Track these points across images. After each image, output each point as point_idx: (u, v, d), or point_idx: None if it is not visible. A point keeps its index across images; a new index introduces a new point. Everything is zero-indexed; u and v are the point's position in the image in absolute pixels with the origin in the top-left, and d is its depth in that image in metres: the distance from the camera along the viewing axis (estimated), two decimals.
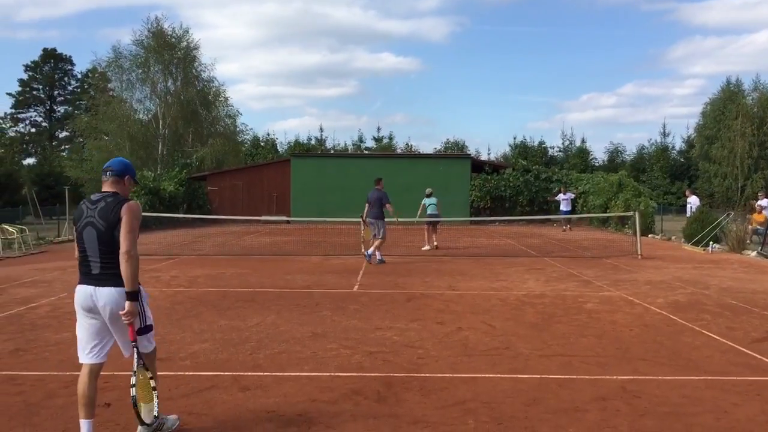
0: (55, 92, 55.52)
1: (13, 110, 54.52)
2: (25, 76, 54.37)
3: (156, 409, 3.74)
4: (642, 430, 4.09)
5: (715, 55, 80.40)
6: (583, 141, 48.45)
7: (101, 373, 3.87)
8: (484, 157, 47.19)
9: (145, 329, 3.81)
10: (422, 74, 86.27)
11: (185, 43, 35.04)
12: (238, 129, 40.03)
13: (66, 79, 55.81)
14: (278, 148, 47.98)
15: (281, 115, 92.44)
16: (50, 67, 54.85)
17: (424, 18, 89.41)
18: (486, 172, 28.68)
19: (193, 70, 35.54)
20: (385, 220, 13.16)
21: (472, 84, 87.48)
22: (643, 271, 11.93)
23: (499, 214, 26.54)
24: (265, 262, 13.08)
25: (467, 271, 11.82)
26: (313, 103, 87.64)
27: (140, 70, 33.94)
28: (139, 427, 3.81)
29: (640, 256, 14.07)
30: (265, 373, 5.24)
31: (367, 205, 13.30)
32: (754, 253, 14.63)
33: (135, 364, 3.72)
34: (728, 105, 38.80)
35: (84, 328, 3.80)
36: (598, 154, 66.33)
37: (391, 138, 50.29)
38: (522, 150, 46.64)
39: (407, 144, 50.99)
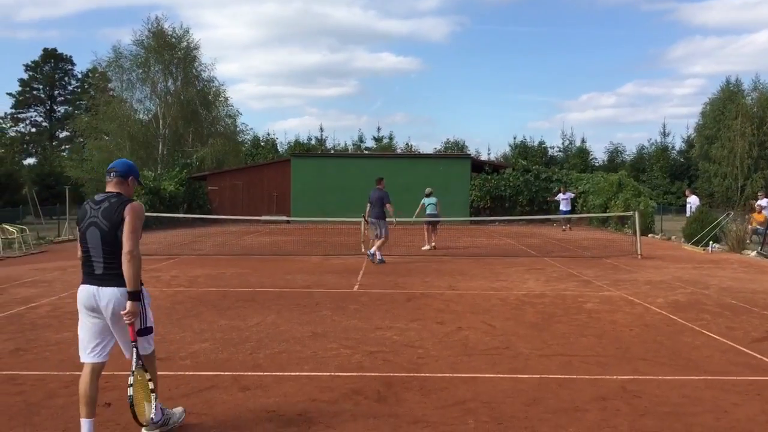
0: (56, 92, 55.54)
1: (14, 110, 54.61)
2: (25, 76, 54.48)
3: (153, 411, 3.75)
4: (642, 429, 4.10)
5: (715, 54, 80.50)
6: (583, 141, 48.58)
7: (102, 372, 3.88)
8: (484, 157, 47.28)
9: (145, 331, 3.82)
10: (422, 74, 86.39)
11: (185, 43, 35.07)
12: (238, 129, 40.11)
13: (66, 79, 55.85)
14: (278, 148, 48.02)
15: (281, 115, 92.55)
16: (50, 67, 54.86)
17: (424, 18, 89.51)
18: (486, 172, 28.68)
19: (193, 70, 35.56)
20: (387, 220, 13.18)
21: (472, 84, 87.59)
22: (643, 270, 11.94)
23: (499, 214, 26.55)
24: (265, 262, 13.09)
25: (467, 270, 11.83)
26: (313, 103, 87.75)
27: (140, 70, 33.95)
28: (143, 429, 3.82)
29: (640, 256, 14.08)
30: (265, 373, 5.24)
31: (368, 204, 13.32)
32: (753, 253, 14.63)
33: (133, 365, 3.73)
34: (728, 105, 38.82)
35: (86, 328, 3.82)
36: (598, 153, 66.50)
37: (391, 138, 50.37)
38: (522, 150, 46.65)
39: (407, 144, 51.07)
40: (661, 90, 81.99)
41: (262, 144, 47.77)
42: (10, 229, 15.60)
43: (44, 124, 55.52)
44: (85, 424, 3.70)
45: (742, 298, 8.96)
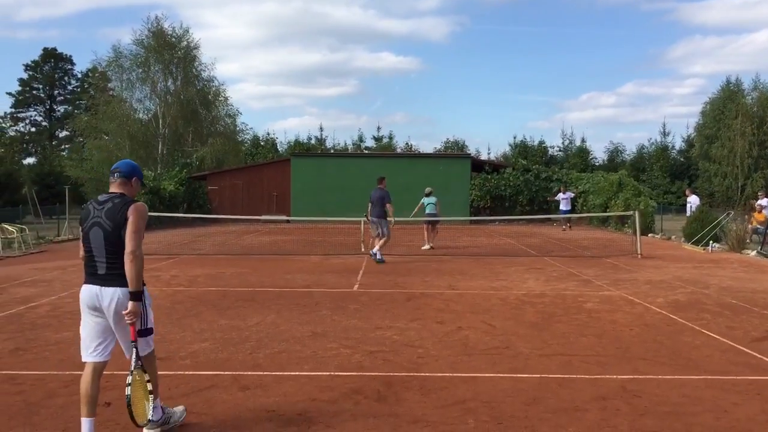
0: (55, 92, 55.54)
1: (13, 110, 54.62)
2: (25, 76, 54.49)
3: (151, 411, 3.75)
4: (642, 429, 4.09)
5: (715, 54, 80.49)
6: (583, 140, 48.57)
7: (103, 372, 3.89)
8: (484, 156, 47.25)
9: (145, 332, 3.83)
10: (422, 74, 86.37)
11: (185, 43, 35.06)
12: (238, 128, 40.09)
13: (66, 78, 55.86)
14: (278, 147, 48.03)
15: (281, 115, 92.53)
16: (50, 66, 54.86)
17: (424, 17, 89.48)
18: (486, 171, 28.68)
19: (193, 70, 35.55)
20: (387, 219, 13.19)
21: (472, 83, 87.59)
22: (643, 270, 11.93)
23: (499, 214, 26.55)
24: (264, 262, 13.08)
25: (467, 270, 11.82)
26: (313, 103, 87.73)
27: (140, 70, 33.95)
28: (144, 429, 3.82)
29: (639, 256, 14.07)
30: (265, 373, 5.24)
31: (369, 204, 13.33)
32: (753, 253, 14.63)
33: (133, 365, 3.73)
34: (728, 104, 38.81)
35: (89, 327, 3.84)
36: (598, 153, 66.15)
37: (391, 137, 50.37)
38: (522, 149, 46.64)
39: (407, 143, 51.09)
40: (661, 90, 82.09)
41: (261, 144, 47.79)
42: (10, 228, 15.59)
43: (44, 123, 55.54)
44: (85, 423, 3.71)
45: (742, 297, 8.96)
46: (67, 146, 51.05)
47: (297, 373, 5.25)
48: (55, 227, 20.24)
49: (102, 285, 3.74)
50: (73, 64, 55.65)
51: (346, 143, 50.52)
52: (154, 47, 33.62)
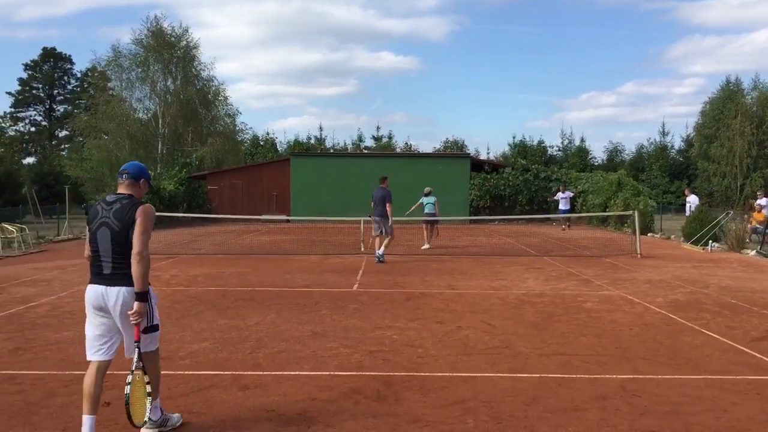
0: (55, 91, 55.51)
1: (13, 109, 54.58)
2: (24, 75, 54.46)
3: (149, 413, 3.75)
4: (642, 429, 4.09)
5: (715, 54, 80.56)
6: (582, 140, 48.58)
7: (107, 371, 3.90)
8: (483, 156, 47.24)
9: (151, 328, 3.87)
10: (422, 73, 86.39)
11: (185, 42, 35.06)
12: (237, 128, 40.09)
13: (66, 78, 55.84)
14: (278, 147, 48.01)
15: (281, 114, 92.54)
16: (50, 66, 54.83)
17: (423, 17, 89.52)
18: (485, 171, 28.69)
19: (193, 69, 35.54)
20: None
21: (471, 83, 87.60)
22: (643, 270, 11.94)
23: (499, 213, 26.54)
24: (264, 261, 13.08)
25: (467, 270, 11.83)
26: (313, 102, 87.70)
27: (140, 69, 33.93)
28: (142, 429, 3.82)
29: (639, 255, 14.08)
30: (265, 372, 5.24)
31: (372, 203, 13.35)
32: (753, 252, 14.64)
33: (134, 365, 3.74)
34: (727, 104, 38.79)
35: (94, 326, 3.86)
36: (598, 153, 66.20)
37: (390, 137, 50.36)
38: (521, 149, 46.62)
39: (407, 143, 51.09)
40: (660, 89, 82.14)
41: (261, 143, 47.77)
42: (10, 228, 15.59)
43: (43, 123, 55.50)
44: (86, 420, 3.71)
45: (741, 297, 8.97)
46: (66, 146, 51.03)
47: (297, 372, 5.26)
48: (54, 227, 20.24)
49: (108, 285, 3.77)
50: (72, 63, 55.76)
51: (345, 143, 50.59)
52: (153, 47, 33.61)
